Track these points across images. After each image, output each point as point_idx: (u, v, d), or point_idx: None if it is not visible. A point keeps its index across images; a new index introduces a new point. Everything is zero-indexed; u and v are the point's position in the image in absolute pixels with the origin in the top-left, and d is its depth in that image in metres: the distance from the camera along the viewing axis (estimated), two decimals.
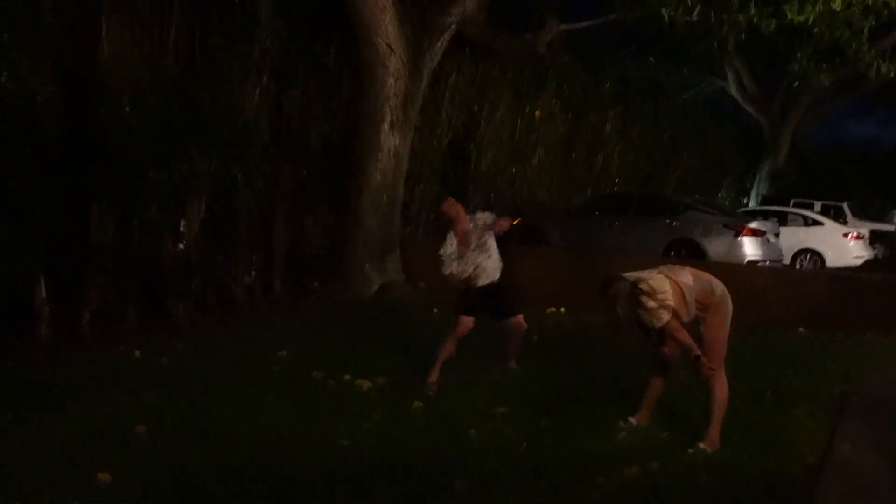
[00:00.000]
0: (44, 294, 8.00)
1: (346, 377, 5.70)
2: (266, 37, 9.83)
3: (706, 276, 4.74)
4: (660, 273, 4.62)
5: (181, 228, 9.28)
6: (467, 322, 5.89)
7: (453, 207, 5.98)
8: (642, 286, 4.50)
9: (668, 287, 4.51)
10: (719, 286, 4.71)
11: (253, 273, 10.12)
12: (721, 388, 4.64)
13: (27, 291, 7.96)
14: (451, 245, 5.85)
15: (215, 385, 5.55)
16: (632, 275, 4.61)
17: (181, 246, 9.23)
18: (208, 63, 9.38)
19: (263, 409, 5.08)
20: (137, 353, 6.63)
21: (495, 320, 6.08)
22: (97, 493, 3.87)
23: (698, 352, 4.51)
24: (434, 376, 5.81)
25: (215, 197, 9.54)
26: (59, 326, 8.11)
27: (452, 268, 5.84)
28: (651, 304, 4.45)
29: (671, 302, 4.47)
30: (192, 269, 9.30)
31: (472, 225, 5.93)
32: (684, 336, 4.53)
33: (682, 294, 4.54)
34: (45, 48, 7.85)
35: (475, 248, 5.87)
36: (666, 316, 4.45)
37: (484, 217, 6.04)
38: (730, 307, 4.70)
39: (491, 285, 5.92)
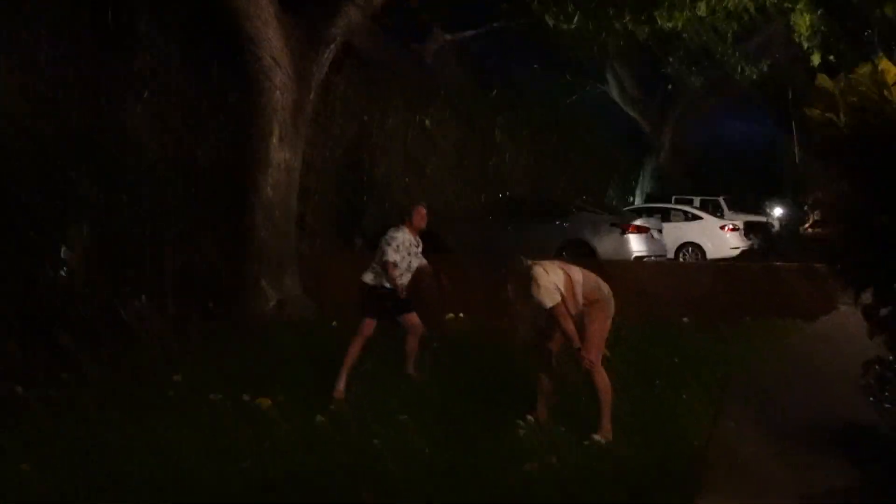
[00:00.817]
0: None
1: (245, 397, 5.60)
2: (145, 50, 9.53)
3: (594, 276, 5.12)
4: (556, 263, 4.99)
5: (62, 254, 8.86)
6: (370, 325, 6.12)
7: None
8: (538, 266, 4.85)
9: (560, 274, 4.85)
10: (606, 287, 5.11)
11: (143, 296, 9.75)
12: (602, 380, 4.95)
13: None
14: (395, 252, 6.16)
15: (108, 414, 5.34)
16: (527, 260, 4.97)
17: (63, 272, 8.80)
18: (83, 80, 9.01)
19: (160, 436, 4.94)
20: (19, 388, 6.27)
21: (394, 318, 6.28)
22: None
23: (579, 344, 4.82)
24: (341, 384, 5.89)
25: (99, 219, 9.15)
26: None
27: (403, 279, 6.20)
28: (544, 282, 4.76)
29: (561, 287, 4.79)
30: (77, 295, 8.88)
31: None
32: (569, 324, 4.82)
33: (572, 286, 4.87)
34: None
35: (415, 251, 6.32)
36: (557, 297, 4.76)
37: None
38: (612, 307, 5.07)
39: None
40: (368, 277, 6.24)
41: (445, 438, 4.86)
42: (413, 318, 6.34)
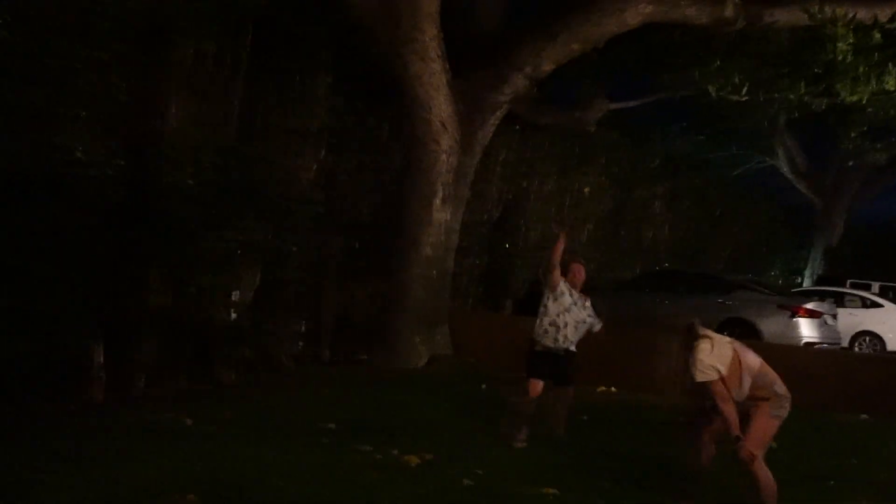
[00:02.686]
0: (101, 358, 8.14)
1: (395, 451, 5.64)
2: (323, 111, 10.16)
3: (774, 374, 4.73)
4: (730, 342, 4.66)
5: (233, 297, 9.44)
6: (536, 385, 6.09)
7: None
8: (703, 333, 4.61)
9: (728, 353, 4.54)
10: (783, 387, 4.69)
11: (301, 343, 10.19)
12: (765, 476, 4.56)
13: (83, 354, 8.11)
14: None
15: (264, 456, 5.54)
16: (704, 329, 4.72)
17: (233, 315, 9.36)
18: (267, 135, 9.71)
19: (311, 482, 5.05)
20: (189, 421, 6.68)
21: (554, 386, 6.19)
22: None
23: (738, 432, 4.48)
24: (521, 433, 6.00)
25: (268, 265, 9.71)
26: (113, 389, 8.22)
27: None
28: (701, 355, 4.51)
29: (722, 367, 4.50)
30: (243, 336, 9.40)
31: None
32: (729, 407, 4.50)
33: (739, 369, 4.54)
34: (116, 122, 8.21)
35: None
36: (711, 374, 4.50)
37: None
38: (786, 410, 4.67)
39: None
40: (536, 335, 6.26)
41: None
42: (567, 390, 6.24)
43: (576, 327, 6.21)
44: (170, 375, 8.67)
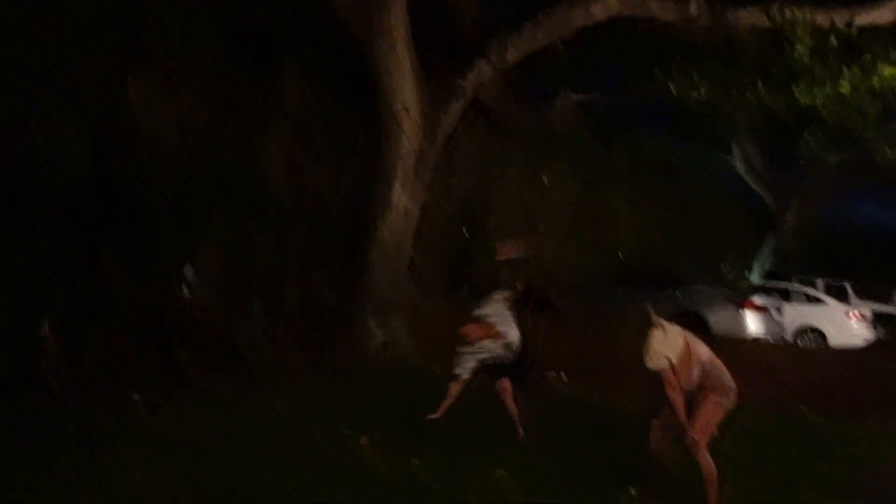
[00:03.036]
0: (48, 334, 8.00)
1: (345, 431, 5.67)
2: (290, 100, 10.08)
3: (723, 367, 4.83)
4: (682, 333, 4.76)
5: (185, 272, 9.34)
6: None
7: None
8: (657, 322, 4.71)
9: (680, 343, 4.63)
10: (731, 381, 4.81)
11: (258, 324, 10.11)
12: (707, 465, 4.68)
13: (34, 334, 7.97)
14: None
15: (211, 433, 5.55)
16: (657, 318, 4.81)
17: (188, 295, 9.26)
18: (232, 122, 9.61)
19: (257, 459, 5.08)
20: (136, 395, 6.59)
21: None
22: None
23: (684, 419, 4.59)
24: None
25: (228, 250, 9.63)
26: (66, 371, 8.09)
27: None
28: (654, 342, 4.62)
29: (674, 356, 4.59)
30: (201, 321, 9.31)
31: None
32: (676, 395, 4.61)
33: (689, 360, 4.65)
34: (78, 104, 8.07)
35: None
36: (662, 362, 4.59)
37: None
38: (731, 401, 4.79)
39: None
40: None
41: (544, 500, 4.74)
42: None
43: None
44: (130, 366, 8.56)
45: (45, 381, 7.73)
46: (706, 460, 4.67)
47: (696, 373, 4.70)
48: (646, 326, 4.73)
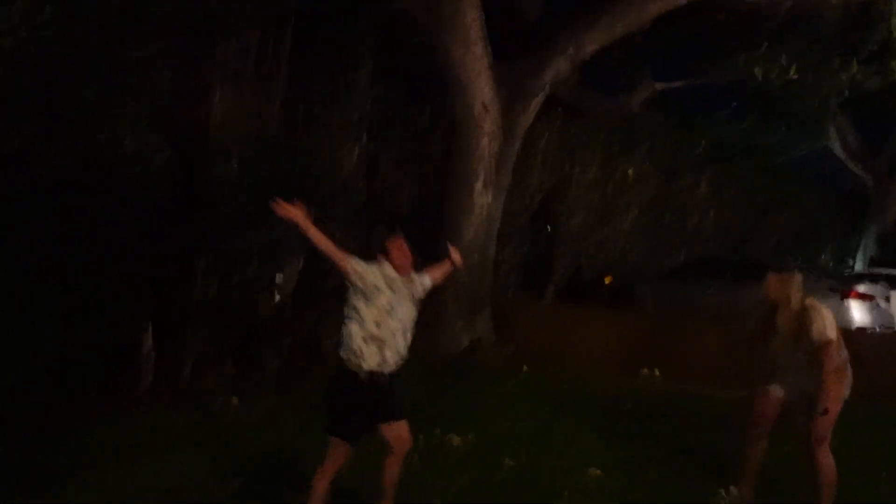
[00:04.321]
0: (150, 345, 8.36)
1: (437, 431, 5.66)
2: (364, 101, 10.20)
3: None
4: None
5: (277, 283, 9.57)
6: None
7: None
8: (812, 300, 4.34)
9: (834, 322, 4.32)
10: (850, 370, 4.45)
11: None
12: (828, 462, 4.33)
13: (133, 342, 8.34)
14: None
15: (309, 441, 5.62)
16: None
17: (276, 299, 9.49)
18: (309, 125, 9.80)
19: (356, 464, 5.10)
20: (235, 407, 6.80)
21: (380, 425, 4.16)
22: None
23: (828, 404, 4.22)
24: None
25: (310, 254, 9.82)
26: (162, 378, 8.43)
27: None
28: (826, 314, 4.27)
29: (834, 334, 4.27)
30: (286, 324, 9.53)
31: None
32: (830, 375, 4.22)
33: (840, 342, 4.34)
34: (162, 116, 8.39)
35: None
36: (832, 334, 4.24)
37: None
38: (848, 395, 4.41)
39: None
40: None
41: (638, 499, 4.60)
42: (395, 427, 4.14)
43: (405, 332, 4.12)
44: (216, 363, 8.87)
45: (142, 386, 8.10)
46: (827, 459, 4.32)
47: (844, 353, 4.39)
48: (798, 296, 4.34)
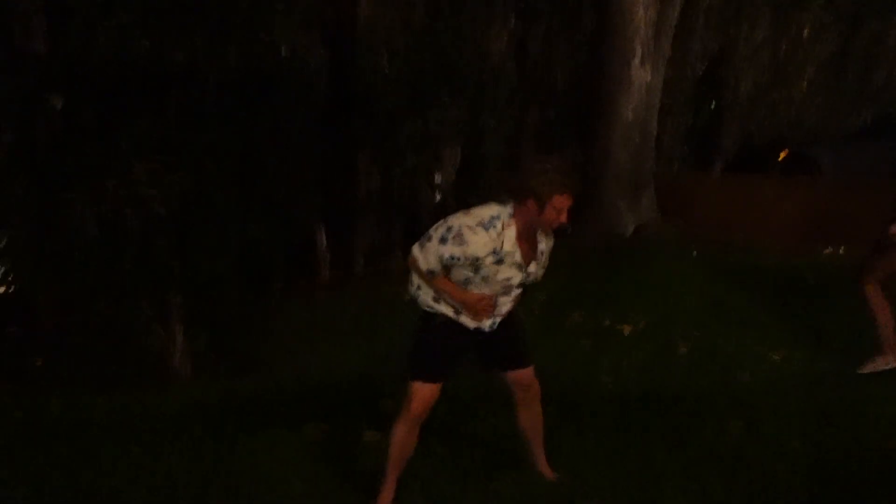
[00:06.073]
0: (325, 240, 8.89)
1: (606, 321, 5.64)
2: None
3: None
4: None
5: (437, 180, 9.72)
6: None
7: None
8: None
9: None
10: None
11: None
12: None
13: (309, 238, 8.88)
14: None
15: None
16: None
17: (438, 196, 9.67)
18: (455, 11, 9.58)
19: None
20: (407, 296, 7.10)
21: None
22: None
23: None
24: None
25: (467, 143, 9.83)
26: (336, 269, 8.99)
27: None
28: None
29: None
30: (447, 212, 9.71)
31: None
32: None
33: None
34: (313, 17, 8.50)
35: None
36: None
37: None
38: None
39: None
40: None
41: (824, 379, 4.40)
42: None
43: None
44: (384, 255, 9.28)
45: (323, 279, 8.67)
46: None
47: None
48: None
